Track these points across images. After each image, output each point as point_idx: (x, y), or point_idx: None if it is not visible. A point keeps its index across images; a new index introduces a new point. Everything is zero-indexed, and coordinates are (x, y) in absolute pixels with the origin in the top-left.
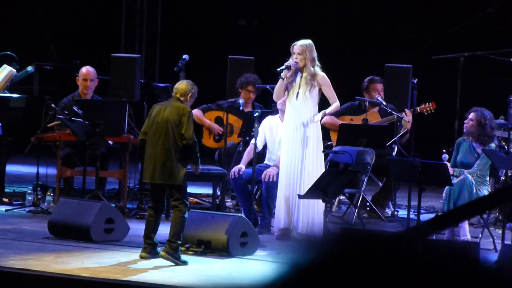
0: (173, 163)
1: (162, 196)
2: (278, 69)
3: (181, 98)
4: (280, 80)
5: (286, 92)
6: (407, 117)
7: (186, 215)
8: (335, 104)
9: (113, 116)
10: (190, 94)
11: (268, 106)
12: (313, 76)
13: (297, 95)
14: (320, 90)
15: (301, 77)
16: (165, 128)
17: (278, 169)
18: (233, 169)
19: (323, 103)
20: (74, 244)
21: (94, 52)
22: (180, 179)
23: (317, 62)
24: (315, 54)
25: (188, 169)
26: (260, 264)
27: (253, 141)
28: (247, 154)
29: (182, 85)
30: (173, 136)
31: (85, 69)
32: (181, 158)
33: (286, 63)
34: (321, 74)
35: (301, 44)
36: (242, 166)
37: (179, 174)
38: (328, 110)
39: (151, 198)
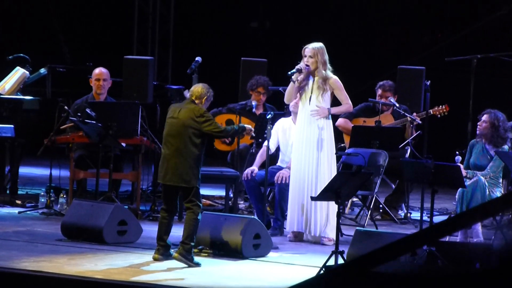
0: (186, 165)
1: (174, 198)
2: (289, 73)
3: (196, 101)
4: (291, 83)
5: (298, 95)
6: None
7: (199, 217)
8: (345, 106)
9: (126, 118)
10: (205, 98)
11: (280, 108)
12: (325, 79)
13: (309, 99)
14: (332, 93)
15: (313, 81)
16: (178, 129)
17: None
18: (246, 171)
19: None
20: (87, 246)
21: (107, 54)
22: (192, 182)
23: (328, 65)
24: (326, 57)
25: (205, 172)
26: (273, 266)
27: (265, 143)
28: (260, 156)
29: (197, 88)
30: (187, 138)
31: (98, 70)
32: (194, 160)
33: (297, 66)
34: (333, 78)
35: (313, 47)
36: (255, 168)
37: (191, 176)
38: (334, 108)
39: (164, 199)
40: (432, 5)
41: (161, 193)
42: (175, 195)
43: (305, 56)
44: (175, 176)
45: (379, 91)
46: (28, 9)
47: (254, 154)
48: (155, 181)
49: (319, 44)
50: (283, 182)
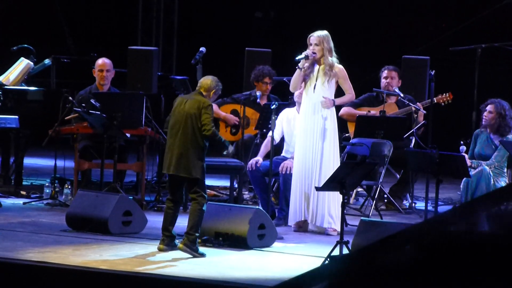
0: (191, 156)
1: (180, 188)
2: (297, 58)
3: (204, 93)
4: (298, 70)
5: (303, 84)
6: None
7: (204, 208)
8: (348, 95)
9: (130, 108)
10: (213, 91)
11: (284, 98)
12: (331, 67)
13: (314, 87)
14: (337, 82)
15: (318, 69)
16: (184, 120)
17: None
18: (251, 162)
19: (339, 96)
20: (92, 236)
21: (111, 45)
22: (197, 172)
23: (334, 53)
24: (332, 44)
25: (209, 162)
26: (278, 256)
27: (270, 133)
28: (265, 147)
29: (207, 80)
30: (192, 129)
31: (101, 60)
32: (198, 151)
33: (304, 52)
34: (339, 66)
35: (318, 35)
36: (259, 158)
37: (196, 167)
38: (338, 100)
39: (169, 190)
40: None
41: (167, 183)
42: (180, 186)
43: (311, 45)
44: (180, 166)
45: (385, 73)
46: (33, 0)
47: (259, 145)
48: (160, 172)
49: (324, 32)
50: (288, 172)
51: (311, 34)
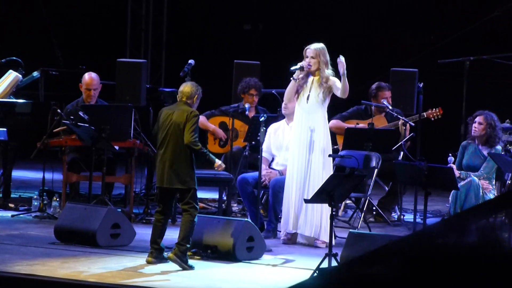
0: (182, 167)
1: (170, 201)
2: (292, 68)
3: (188, 101)
4: (292, 81)
5: (296, 96)
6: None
7: (196, 219)
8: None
9: (119, 121)
10: (196, 96)
11: (273, 110)
12: (327, 80)
13: (307, 98)
14: (330, 93)
15: (313, 80)
16: (174, 132)
17: (281, 175)
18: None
19: (333, 108)
20: (80, 249)
21: (100, 57)
22: (191, 183)
23: (330, 66)
24: (328, 57)
25: (198, 174)
26: (267, 268)
27: (264, 147)
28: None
29: (187, 88)
30: (182, 140)
31: (88, 78)
32: (190, 162)
33: (300, 64)
34: (334, 79)
35: (315, 48)
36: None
37: (189, 177)
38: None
39: (159, 202)
40: (425, 7)
41: (156, 195)
42: (171, 198)
43: (307, 57)
44: (173, 178)
45: (375, 92)
46: (21, 12)
47: (247, 157)
48: (148, 184)
49: (320, 45)
50: (262, 180)
51: (307, 47)
